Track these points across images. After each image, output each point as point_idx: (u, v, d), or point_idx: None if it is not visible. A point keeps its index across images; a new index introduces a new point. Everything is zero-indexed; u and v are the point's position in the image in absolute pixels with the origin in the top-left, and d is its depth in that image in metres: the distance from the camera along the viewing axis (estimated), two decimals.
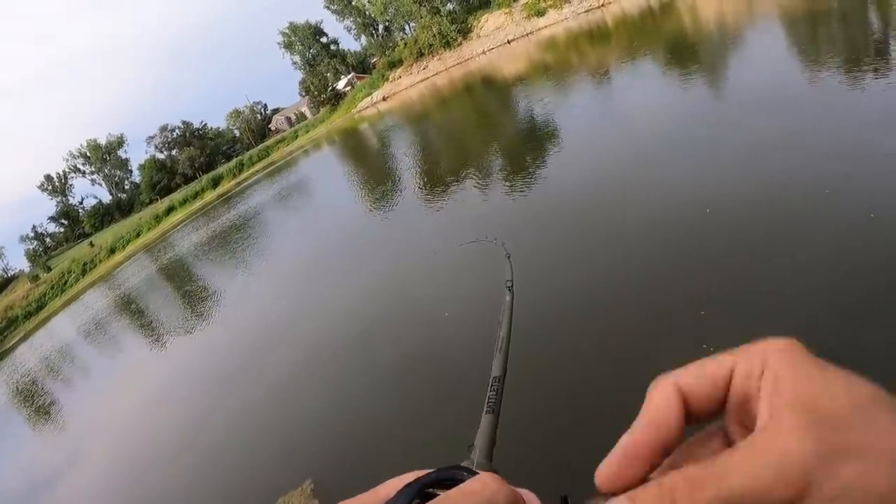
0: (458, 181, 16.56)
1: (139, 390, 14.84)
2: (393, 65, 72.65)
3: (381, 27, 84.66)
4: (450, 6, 68.01)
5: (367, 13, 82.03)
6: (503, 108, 28.28)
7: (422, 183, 19.69)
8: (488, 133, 23.39)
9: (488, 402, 0.89)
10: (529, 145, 17.28)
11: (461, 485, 0.47)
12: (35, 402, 22.69)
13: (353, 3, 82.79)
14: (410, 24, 74.89)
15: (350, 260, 15.18)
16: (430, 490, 0.51)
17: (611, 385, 5.89)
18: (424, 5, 67.10)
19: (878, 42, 13.14)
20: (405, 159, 26.49)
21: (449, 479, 0.53)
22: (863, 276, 5.48)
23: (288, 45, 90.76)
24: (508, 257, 1.88)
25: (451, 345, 8.16)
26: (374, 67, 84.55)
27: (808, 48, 15.30)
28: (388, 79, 72.14)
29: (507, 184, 14.30)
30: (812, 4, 20.08)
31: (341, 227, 20.10)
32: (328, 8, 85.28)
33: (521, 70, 37.50)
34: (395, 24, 79.47)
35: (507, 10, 61.01)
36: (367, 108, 70.67)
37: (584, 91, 22.37)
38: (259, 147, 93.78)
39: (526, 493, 0.50)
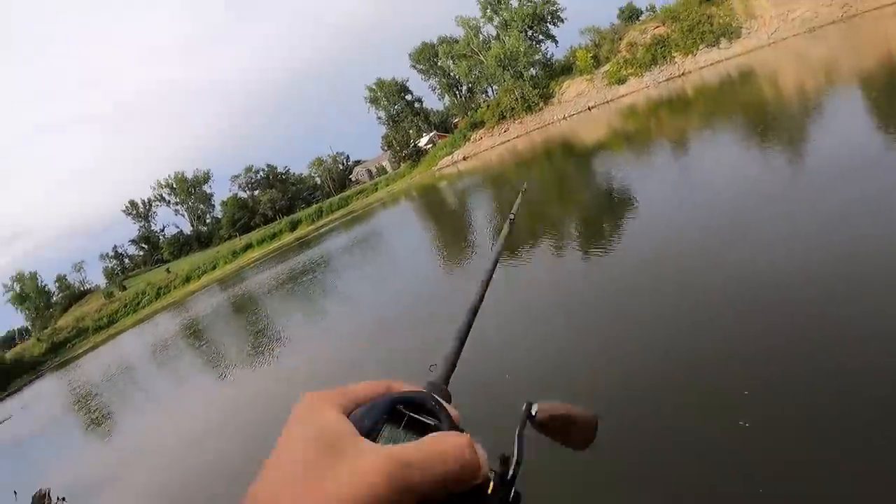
0: (531, 246, 16.43)
1: (189, 415, 15.53)
2: (474, 126, 73.95)
3: (464, 88, 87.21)
4: (532, 71, 69.40)
5: (451, 74, 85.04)
6: (581, 175, 28.19)
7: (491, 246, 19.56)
8: (564, 200, 23.57)
9: (459, 328, 0.95)
10: (602, 214, 17.46)
11: (436, 438, 0.56)
12: (89, 410, 23.85)
13: (439, 64, 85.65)
14: (493, 87, 76.98)
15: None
16: (400, 407, 0.60)
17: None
18: (508, 70, 68.88)
19: None
20: (479, 222, 26.35)
21: (420, 402, 0.62)
22: None
23: (374, 101, 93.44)
24: (523, 191, 2.23)
25: None
26: (456, 127, 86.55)
27: (889, 118, 15.19)
28: (469, 139, 73.40)
29: (579, 252, 14.45)
30: (889, 74, 20.71)
31: (407, 279, 20.53)
32: (414, 67, 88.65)
33: (601, 137, 37.58)
34: (479, 87, 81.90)
35: (588, 77, 61.97)
36: (447, 166, 71.84)
37: (663, 161, 22.47)
38: (339, 196, 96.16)
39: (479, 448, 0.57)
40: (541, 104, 66.12)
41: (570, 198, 23.54)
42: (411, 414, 0.60)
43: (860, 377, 5.47)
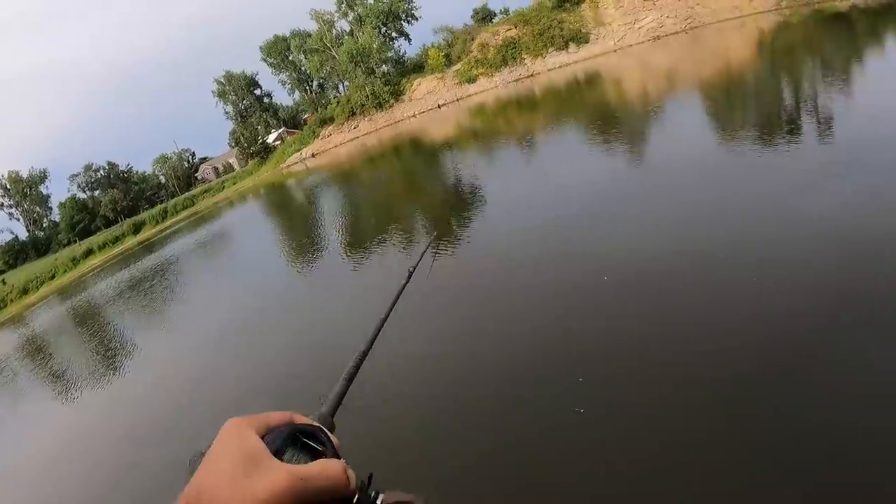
0: (378, 241, 16.91)
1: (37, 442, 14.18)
2: (324, 122, 72.60)
3: (314, 84, 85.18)
4: (385, 68, 68.96)
5: (302, 69, 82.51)
6: (428, 170, 29.11)
7: (341, 242, 19.99)
8: (412, 195, 24.06)
9: (347, 370, 1.12)
10: (450, 208, 18.02)
11: (322, 463, 0.81)
12: None
13: (290, 59, 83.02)
14: (344, 83, 75.59)
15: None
16: (299, 435, 0.85)
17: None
18: (360, 66, 67.86)
19: (789, 117, 14.86)
20: (328, 218, 26.52)
21: (312, 433, 0.86)
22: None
23: (221, 94, 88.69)
24: (428, 247, 2.21)
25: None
26: (306, 123, 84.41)
27: (721, 121, 16.76)
28: (318, 135, 71.91)
29: (425, 244, 14.45)
30: (728, 83, 22.28)
31: (250, 281, 20.26)
32: (265, 61, 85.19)
33: (450, 134, 38.54)
34: (330, 83, 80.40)
35: (439, 76, 62.45)
36: (295, 163, 70.29)
37: (508, 158, 23.46)
38: (184, 195, 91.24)
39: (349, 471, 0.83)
40: (391, 101, 65.80)
41: (413, 195, 24.05)
42: (305, 440, 0.84)
43: (701, 366, 5.90)
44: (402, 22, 71.98)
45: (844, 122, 12.80)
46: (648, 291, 7.67)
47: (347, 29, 73.95)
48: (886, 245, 6.88)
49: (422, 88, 64.06)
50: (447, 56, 63.42)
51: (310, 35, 76.82)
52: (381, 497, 0.88)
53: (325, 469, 0.81)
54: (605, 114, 24.27)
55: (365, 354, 1.23)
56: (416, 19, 72.25)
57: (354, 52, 67.83)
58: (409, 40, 72.70)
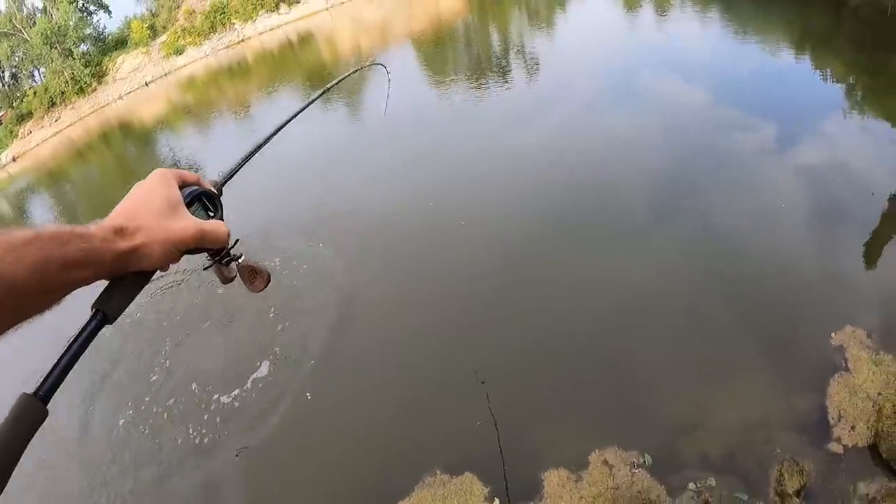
0: None
1: None
2: (22, 118, 62.43)
3: (7, 74, 73.50)
4: (84, 48, 60.84)
5: None
6: (141, 155, 29.74)
7: None
8: (127, 183, 22.35)
9: (247, 152, 1.40)
10: None
11: (217, 223, 1.10)
12: None
13: None
14: (40, 70, 65.52)
15: None
16: (202, 197, 1.15)
17: None
18: (56, 47, 58.98)
19: (499, 60, 17.32)
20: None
21: (211, 197, 1.17)
22: None
23: None
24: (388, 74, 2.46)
25: None
26: (1, 123, 72.73)
27: (438, 69, 19.33)
28: (16, 135, 61.65)
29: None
30: (438, 35, 24.56)
31: None
32: None
33: (161, 113, 37.78)
34: (24, 71, 69.20)
35: (144, 50, 56.85)
36: None
37: (222, 127, 25.17)
38: None
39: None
40: (94, 84, 58.30)
41: (129, 182, 22.60)
42: (206, 201, 1.15)
43: None
44: None
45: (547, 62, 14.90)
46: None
47: (40, 6, 64.03)
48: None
49: (126, 66, 57.70)
50: (152, 27, 57.67)
51: None
52: (242, 258, 1.21)
53: (218, 228, 1.09)
54: (318, 73, 25.83)
55: (266, 141, 1.42)
56: None
57: (49, 32, 58.97)
58: (110, 13, 64.32)
